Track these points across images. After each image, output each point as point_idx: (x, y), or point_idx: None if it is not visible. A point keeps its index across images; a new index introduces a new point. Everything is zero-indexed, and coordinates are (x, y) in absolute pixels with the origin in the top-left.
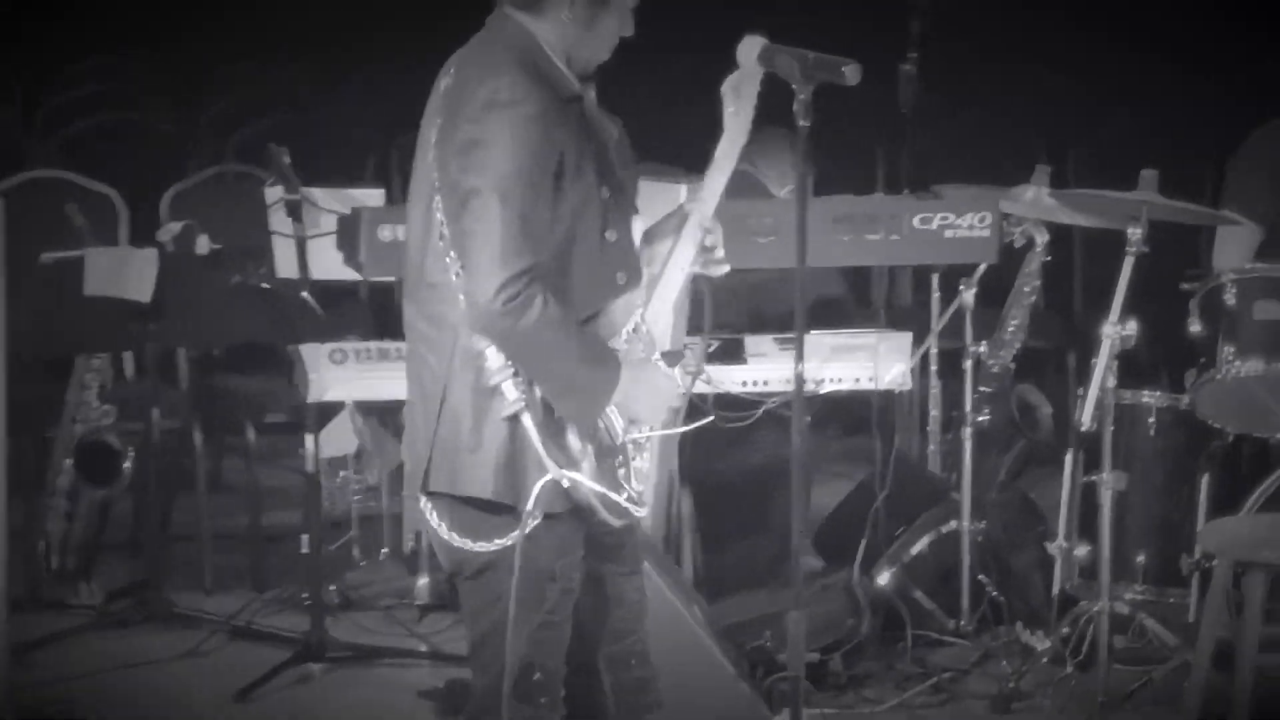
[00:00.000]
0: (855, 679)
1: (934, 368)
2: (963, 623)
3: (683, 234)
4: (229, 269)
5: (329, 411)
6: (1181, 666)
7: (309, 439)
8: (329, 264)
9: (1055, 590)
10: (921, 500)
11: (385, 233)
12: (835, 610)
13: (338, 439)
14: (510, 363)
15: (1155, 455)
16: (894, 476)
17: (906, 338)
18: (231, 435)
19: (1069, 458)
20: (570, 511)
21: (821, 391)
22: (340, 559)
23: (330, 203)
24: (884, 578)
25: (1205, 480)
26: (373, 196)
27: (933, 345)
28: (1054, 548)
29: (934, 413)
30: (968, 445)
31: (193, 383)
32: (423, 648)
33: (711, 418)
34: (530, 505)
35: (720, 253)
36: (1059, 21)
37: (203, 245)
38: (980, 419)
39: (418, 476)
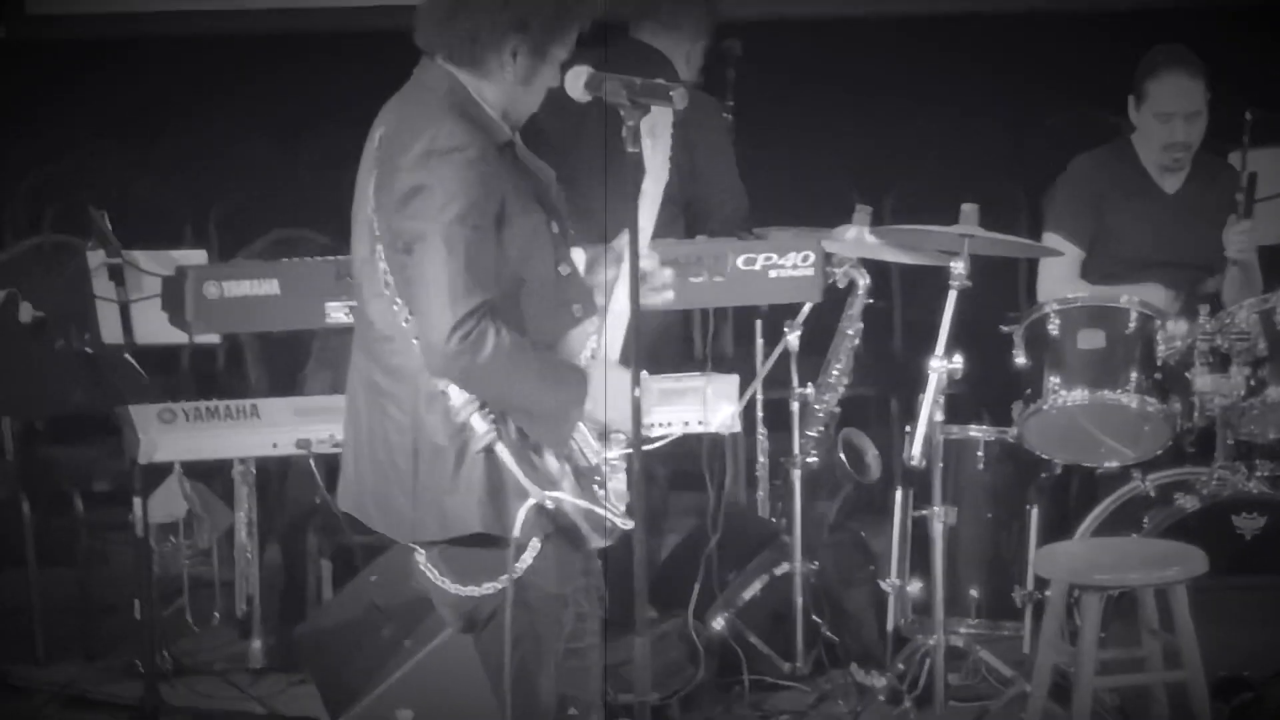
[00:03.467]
0: None
1: (760, 414)
2: (798, 665)
3: (623, 267)
4: (52, 335)
5: (157, 477)
6: (1018, 698)
7: (137, 503)
8: (153, 327)
9: (889, 628)
10: (753, 544)
11: (212, 290)
12: (671, 657)
13: (166, 504)
14: (474, 397)
15: (984, 489)
16: (725, 522)
17: (733, 380)
18: (59, 505)
19: (898, 494)
20: (560, 533)
21: (652, 435)
22: (173, 625)
23: (152, 265)
24: (718, 622)
25: (1035, 512)
26: (195, 257)
27: (758, 390)
28: (887, 585)
29: (761, 459)
30: (797, 488)
31: (18, 453)
32: (259, 710)
33: (675, 432)
34: (517, 532)
35: (658, 281)
36: (870, 68)
37: (25, 313)
38: (808, 462)
39: (407, 530)
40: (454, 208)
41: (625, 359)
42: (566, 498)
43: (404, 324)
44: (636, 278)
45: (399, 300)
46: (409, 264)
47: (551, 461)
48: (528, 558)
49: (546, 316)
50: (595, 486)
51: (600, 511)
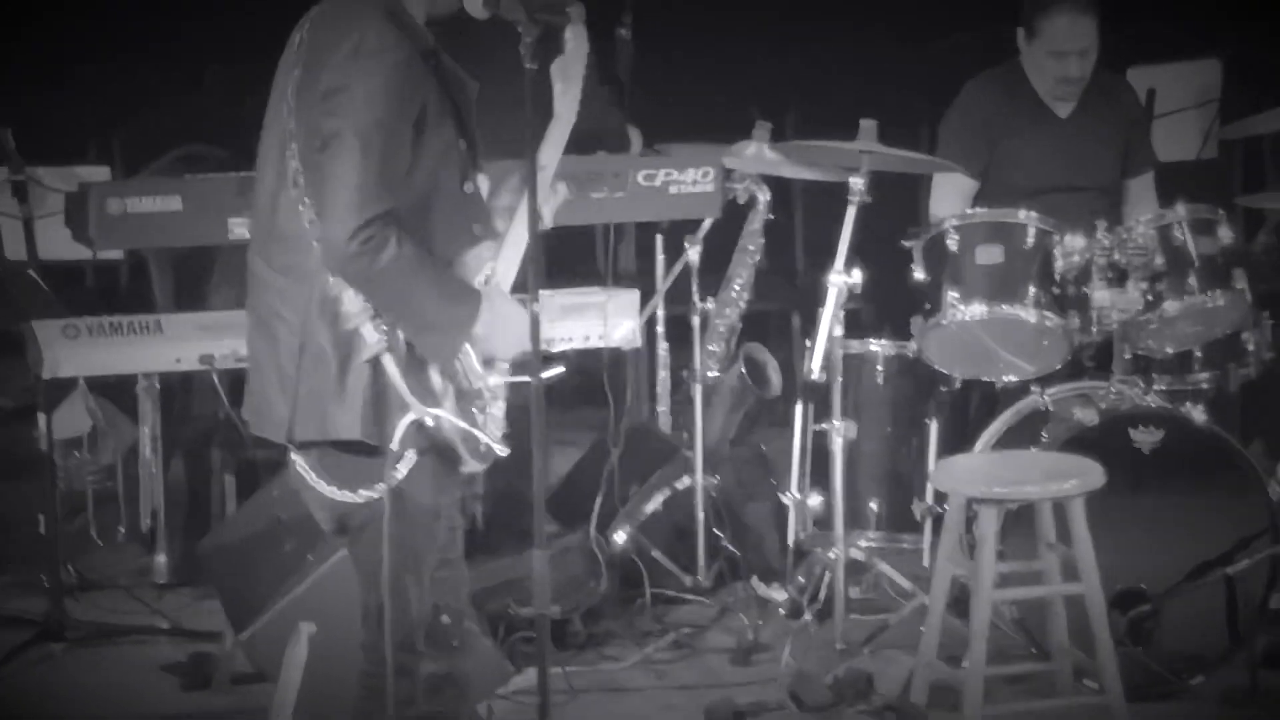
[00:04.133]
0: (596, 638)
1: (660, 329)
2: (700, 579)
3: (524, 195)
4: None
5: (61, 393)
6: (918, 610)
7: (42, 419)
8: (57, 244)
9: (790, 542)
10: (654, 459)
11: (115, 206)
12: (574, 572)
13: (71, 420)
14: (368, 305)
15: (884, 403)
16: (626, 437)
17: (634, 295)
18: None
19: (798, 409)
20: (436, 450)
21: (553, 350)
22: (77, 540)
23: (56, 182)
24: (620, 537)
25: (934, 426)
26: (99, 173)
27: (659, 305)
28: (787, 499)
29: (662, 374)
30: (698, 403)
31: None
32: (164, 624)
33: (563, 368)
34: (395, 444)
35: (544, 212)
36: None
37: None
38: (710, 377)
39: (281, 430)
40: (375, 109)
41: (520, 288)
42: (446, 416)
43: (307, 224)
44: (535, 210)
45: (307, 199)
46: (322, 161)
47: (435, 379)
48: (403, 469)
49: (447, 233)
50: (474, 410)
51: (477, 434)
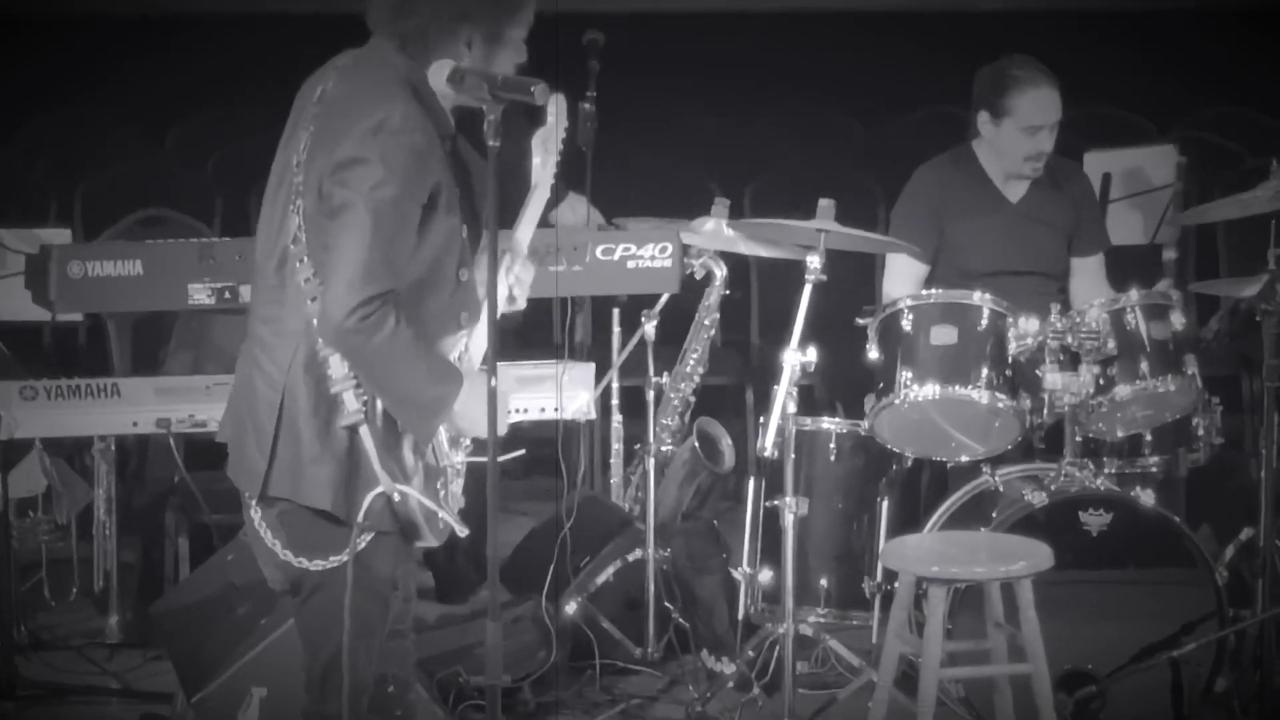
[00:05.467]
0: (544, 707)
1: (615, 401)
2: (650, 650)
3: (499, 274)
4: None
5: (17, 453)
6: (865, 687)
7: None
8: (15, 304)
9: (740, 616)
10: (606, 530)
11: (76, 269)
12: (525, 640)
13: (26, 479)
14: (353, 374)
15: (836, 481)
16: (579, 507)
17: (590, 368)
18: None
19: (751, 484)
20: (399, 525)
21: (508, 421)
22: (30, 599)
23: (17, 243)
24: (571, 607)
25: (885, 504)
26: (60, 236)
27: (614, 378)
28: (738, 574)
29: (616, 445)
30: (651, 476)
31: None
32: (115, 685)
33: (523, 450)
34: (361, 518)
35: (517, 293)
36: (731, 62)
37: None
38: (663, 450)
39: (256, 483)
40: (389, 188)
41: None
42: (414, 494)
43: (302, 282)
44: (495, 284)
45: (306, 257)
46: (330, 229)
47: (408, 456)
48: (363, 540)
49: (437, 318)
50: (438, 487)
51: (441, 513)
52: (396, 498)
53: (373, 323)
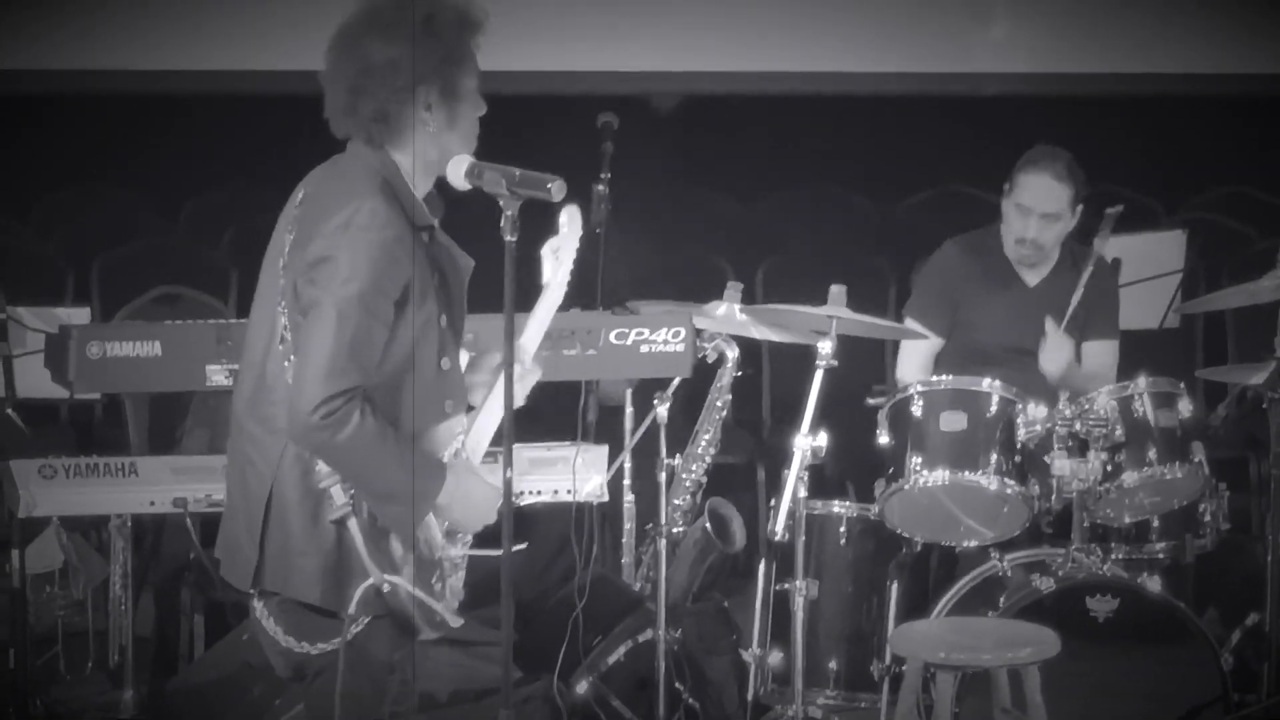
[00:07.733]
0: None
1: (627, 481)
2: None
3: (503, 373)
4: None
5: (35, 530)
6: None
7: (15, 555)
8: (35, 382)
9: (750, 697)
10: (618, 610)
11: (95, 350)
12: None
13: (43, 555)
14: None
15: (846, 564)
16: (591, 587)
17: (603, 450)
18: None
19: (761, 567)
20: (392, 615)
21: (521, 504)
22: (46, 673)
23: (36, 322)
24: (582, 686)
25: (894, 587)
26: (79, 315)
27: (626, 459)
28: (748, 655)
29: (628, 525)
30: (663, 556)
31: None
32: None
33: (525, 544)
34: (352, 609)
35: (518, 389)
36: (744, 146)
37: None
38: (675, 531)
39: (247, 577)
40: (354, 285)
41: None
42: (404, 585)
43: (290, 380)
44: (511, 387)
45: (294, 355)
46: (302, 326)
47: (397, 548)
48: (358, 628)
49: (419, 408)
50: (433, 581)
51: (433, 605)
52: (386, 588)
53: (337, 419)
